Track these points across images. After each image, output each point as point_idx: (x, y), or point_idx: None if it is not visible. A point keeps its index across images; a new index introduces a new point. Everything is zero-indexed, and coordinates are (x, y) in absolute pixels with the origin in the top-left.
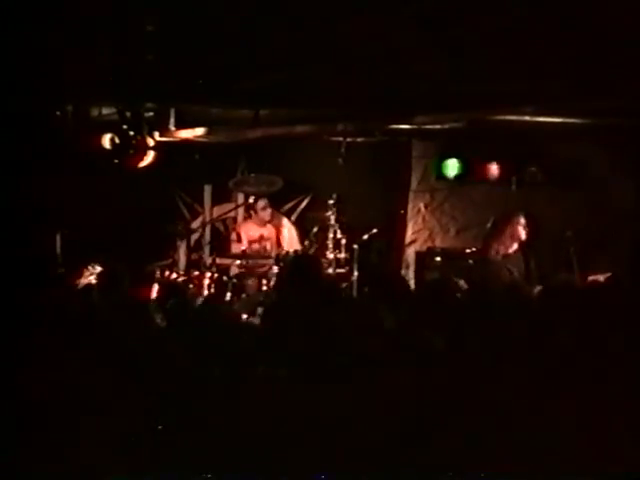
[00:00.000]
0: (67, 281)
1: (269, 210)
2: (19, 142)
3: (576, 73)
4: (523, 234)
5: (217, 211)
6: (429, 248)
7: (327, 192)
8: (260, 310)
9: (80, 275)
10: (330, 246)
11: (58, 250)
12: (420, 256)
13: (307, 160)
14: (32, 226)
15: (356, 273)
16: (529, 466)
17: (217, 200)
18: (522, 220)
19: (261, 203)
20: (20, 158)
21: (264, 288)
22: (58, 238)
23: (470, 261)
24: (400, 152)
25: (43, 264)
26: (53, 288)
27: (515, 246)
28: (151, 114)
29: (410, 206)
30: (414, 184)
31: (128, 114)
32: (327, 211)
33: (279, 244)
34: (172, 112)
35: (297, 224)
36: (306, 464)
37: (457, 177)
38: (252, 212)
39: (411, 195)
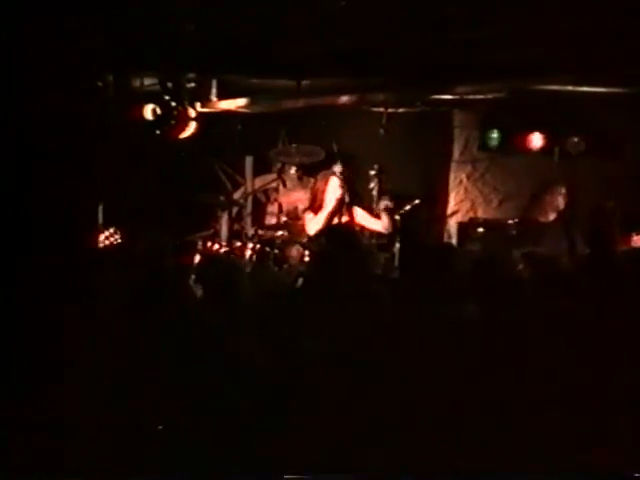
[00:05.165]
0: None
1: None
2: (58, 113)
3: (621, 40)
4: (562, 204)
5: (258, 182)
6: (471, 219)
7: (369, 163)
8: (300, 281)
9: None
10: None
11: (100, 222)
12: (462, 227)
13: (349, 130)
14: (73, 198)
15: (398, 245)
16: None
17: (258, 171)
18: (562, 190)
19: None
20: (60, 129)
21: (306, 259)
22: (100, 210)
23: (513, 232)
24: (441, 123)
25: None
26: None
27: (554, 215)
28: (192, 85)
29: (452, 177)
30: (456, 155)
31: (170, 85)
32: (369, 182)
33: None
34: (214, 82)
35: None
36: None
37: (499, 148)
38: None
39: (453, 166)
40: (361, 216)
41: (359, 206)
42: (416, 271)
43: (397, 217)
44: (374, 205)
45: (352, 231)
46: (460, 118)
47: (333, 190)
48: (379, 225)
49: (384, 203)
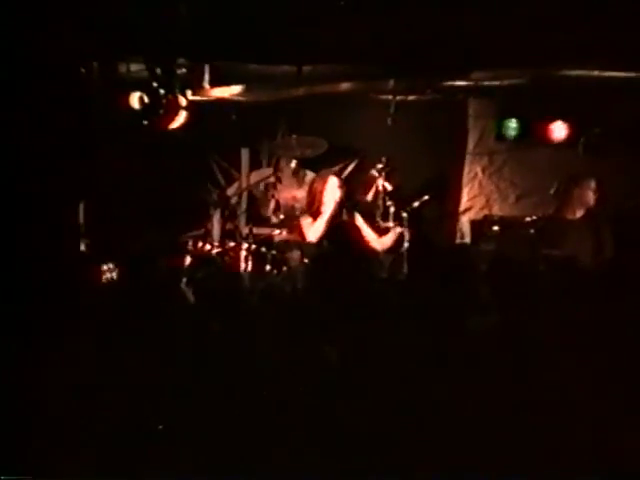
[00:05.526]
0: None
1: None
2: (39, 102)
3: None
4: (592, 200)
5: (255, 177)
6: (486, 216)
7: (375, 155)
8: (301, 284)
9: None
10: (378, 214)
11: (81, 220)
12: (476, 225)
13: (354, 121)
14: (53, 194)
15: (406, 244)
16: None
17: (255, 164)
18: (592, 184)
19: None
20: (40, 118)
21: (306, 261)
22: (81, 207)
23: (531, 230)
24: (455, 111)
25: (64, 238)
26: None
27: (582, 212)
28: (183, 71)
29: (466, 170)
30: (470, 146)
31: (158, 71)
32: (375, 176)
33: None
34: (206, 68)
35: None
36: None
37: (517, 139)
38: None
39: (467, 158)
40: (361, 225)
41: (360, 214)
42: (426, 274)
43: (404, 214)
44: (379, 207)
45: (356, 233)
46: (475, 106)
47: (332, 191)
48: (378, 242)
49: (398, 230)
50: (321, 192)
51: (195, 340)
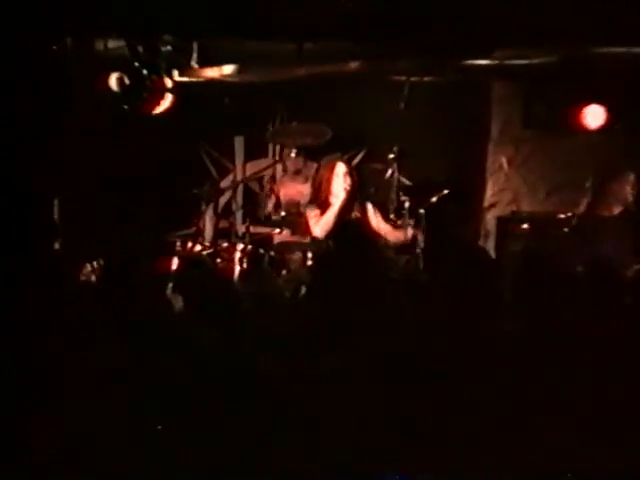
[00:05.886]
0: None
1: (299, 162)
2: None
3: None
4: (630, 195)
5: (251, 168)
6: (513, 212)
7: (386, 144)
8: (304, 290)
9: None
10: (390, 211)
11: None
12: (502, 222)
13: (362, 105)
14: (22, 189)
15: (422, 245)
16: None
17: (251, 154)
18: (631, 178)
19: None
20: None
21: (309, 262)
22: (56, 204)
23: (564, 229)
24: (477, 95)
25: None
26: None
27: (620, 209)
28: (169, 49)
29: (490, 161)
30: (494, 134)
31: (141, 49)
32: (386, 168)
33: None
34: (195, 46)
35: None
36: None
37: (548, 125)
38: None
39: (490, 147)
40: (373, 215)
41: (373, 203)
42: (445, 278)
43: (421, 211)
44: (392, 201)
45: (365, 230)
46: (499, 89)
47: (340, 179)
48: (393, 235)
49: (411, 231)
50: (328, 180)
51: (182, 353)
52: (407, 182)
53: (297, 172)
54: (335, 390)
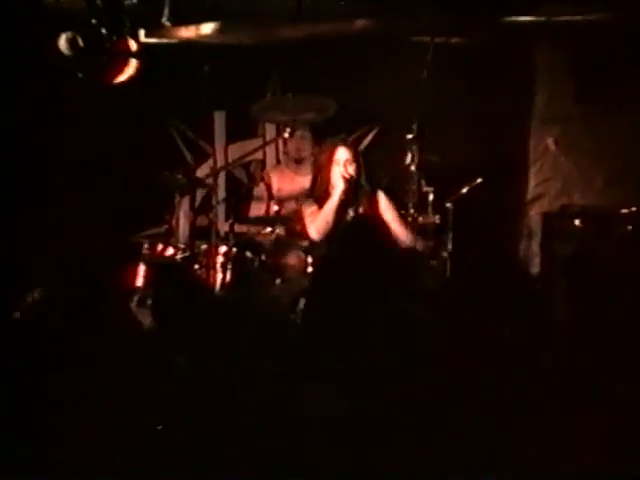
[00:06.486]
0: None
1: (308, 146)
2: None
3: None
4: None
5: (235, 151)
6: (563, 207)
7: (404, 121)
8: (303, 303)
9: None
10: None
11: None
12: (549, 219)
13: (374, 73)
14: None
15: (450, 246)
16: None
17: (235, 134)
18: None
19: (299, 135)
20: None
21: (309, 269)
22: None
23: (628, 226)
24: (517, 61)
25: None
26: None
27: None
28: (134, 2)
29: (533, 143)
30: (539, 110)
31: (99, 2)
32: (404, 150)
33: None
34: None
35: None
36: None
37: (605, 98)
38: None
39: (534, 126)
40: (386, 209)
41: (387, 194)
42: (478, 287)
43: (448, 205)
44: (412, 192)
45: (375, 227)
46: (546, 53)
47: (340, 167)
48: (407, 235)
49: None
50: (328, 168)
51: (151, 379)
52: (433, 159)
53: (299, 160)
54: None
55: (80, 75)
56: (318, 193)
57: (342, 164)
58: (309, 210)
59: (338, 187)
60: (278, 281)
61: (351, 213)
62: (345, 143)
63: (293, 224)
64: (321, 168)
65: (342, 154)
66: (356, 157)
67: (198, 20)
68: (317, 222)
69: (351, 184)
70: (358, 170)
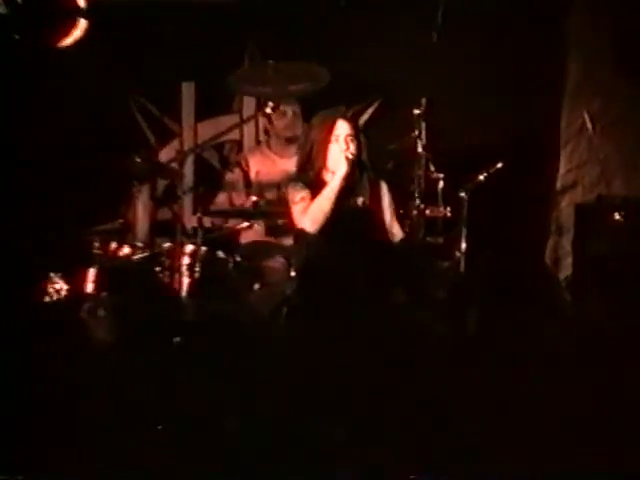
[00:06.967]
0: None
1: (300, 124)
2: None
3: None
4: None
5: (206, 130)
6: (600, 197)
7: (409, 94)
8: (286, 312)
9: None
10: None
11: None
12: (584, 211)
13: (373, 36)
14: None
15: (464, 244)
16: None
17: (206, 110)
18: None
19: (290, 111)
20: None
21: (293, 273)
22: None
23: None
24: (546, 23)
25: None
26: None
27: None
28: None
29: (565, 120)
30: (572, 82)
31: None
32: (410, 128)
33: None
34: None
35: None
36: None
37: None
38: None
39: (566, 100)
40: (389, 202)
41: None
42: (498, 296)
43: (462, 194)
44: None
45: (376, 222)
46: (579, 16)
47: (341, 144)
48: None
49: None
50: (323, 146)
51: (102, 404)
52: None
53: (291, 140)
54: None
55: (17, 37)
56: (309, 177)
57: (343, 141)
58: (298, 196)
59: (340, 169)
60: (256, 286)
61: (351, 203)
62: (346, 115)
63: (274, 217)
64: (312, 146)
65: (343, 128)
66: (357, 134)
67: None
68: (312, 211)
69: (354, 166)
70: (359, 150)
